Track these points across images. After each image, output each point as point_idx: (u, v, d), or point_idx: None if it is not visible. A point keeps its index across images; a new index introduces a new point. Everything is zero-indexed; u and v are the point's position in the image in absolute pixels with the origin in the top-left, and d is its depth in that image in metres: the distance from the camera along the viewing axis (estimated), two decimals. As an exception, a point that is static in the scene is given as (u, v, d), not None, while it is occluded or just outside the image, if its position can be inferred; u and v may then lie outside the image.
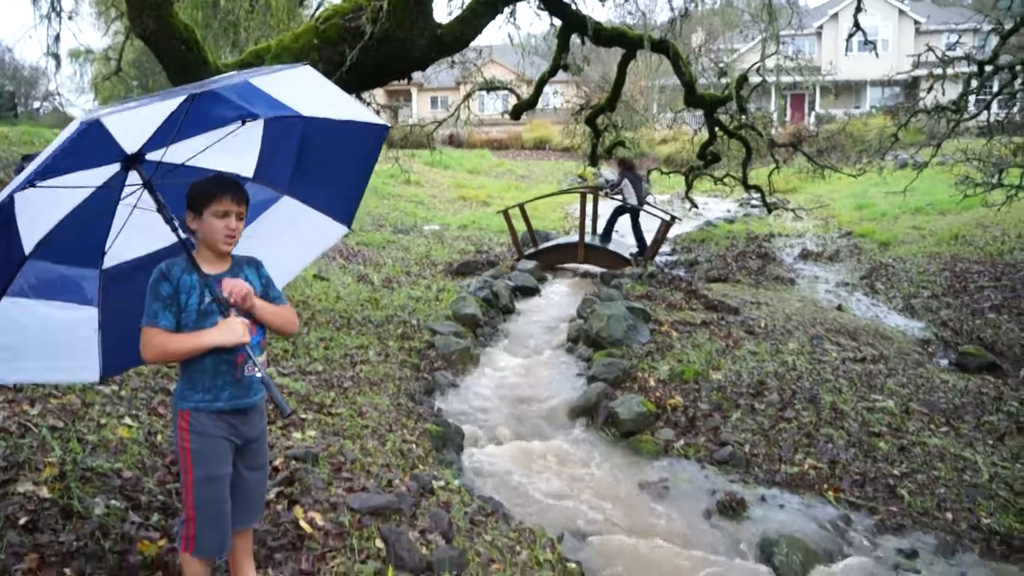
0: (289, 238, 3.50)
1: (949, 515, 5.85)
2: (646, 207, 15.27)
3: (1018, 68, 12.00)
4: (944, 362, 9.73)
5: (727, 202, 26.17)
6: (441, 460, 6.02)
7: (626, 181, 15.13)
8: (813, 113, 42.38)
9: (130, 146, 2.86)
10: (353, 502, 4.25)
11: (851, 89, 45.14)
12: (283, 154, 3.32)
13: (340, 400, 6.60)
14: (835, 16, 44.16)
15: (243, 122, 3.08)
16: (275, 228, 3.44)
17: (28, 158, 2.63)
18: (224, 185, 2.99)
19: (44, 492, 3.60)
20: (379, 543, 3.90)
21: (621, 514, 5.71)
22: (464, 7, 10.07)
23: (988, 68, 11.99)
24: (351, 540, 3.87)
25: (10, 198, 2.55)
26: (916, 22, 44.52)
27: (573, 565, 4.65)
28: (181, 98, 2.72)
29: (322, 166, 3.42)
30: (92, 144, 2.56)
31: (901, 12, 45.18)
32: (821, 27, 45.78)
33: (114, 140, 2.73)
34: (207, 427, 3.02)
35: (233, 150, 3.20)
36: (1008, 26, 11.35)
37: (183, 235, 2.98)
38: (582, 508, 5.76)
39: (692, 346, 9.02)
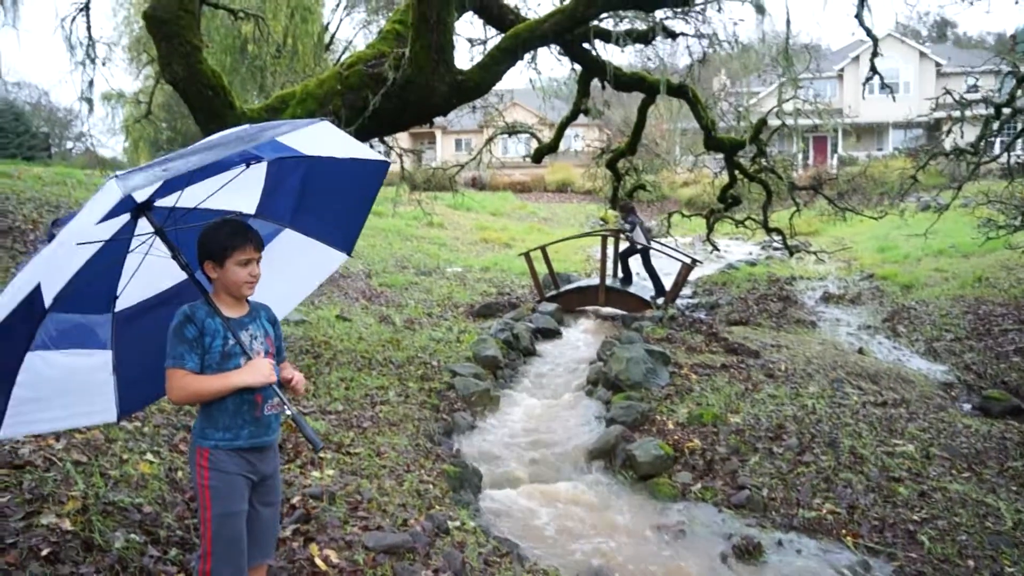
0: (292, 268, 3.63)
1: (971, 563, 5.78)
2: (664, 249, 15.36)
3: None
4: (967, 406, 9.63)
5: (749, 245, 26.19)
6: (458, 501, 6.05)
7: (639, 220, 15.31)
8: (835, 155, 42.40)
9: (140, 195, 2.97)
10: (368, 540, 4.30)
11: (873, 131, 45.22)
12: (284, 190, 3.46)
13: (359, 440, 6.66)
14: (856, 59, 44.34)
15: (247, 164, 3.19)
16: (279, 259, 3.53)
17: (58, 224, 2.75)
18: (245, 235, 3.11)
19: (67, 524, 3.68)
20: (393, 582, 3.94)
21: (636, 556, 5.71)
22: (485, 54, 10.26)
23: (1006, 111, 12.01)
24: (365, 579, 3.92)
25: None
26: (937, 64, 44.65)
27: (587, 607, 4.66)
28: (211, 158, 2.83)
29: (322, 199, 3.54)
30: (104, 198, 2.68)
31: (922, 54, 45.36)
32: (842, 70, 46.02)
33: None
34: (226, 464, 3.10)
35: (237, 189, 3.35)
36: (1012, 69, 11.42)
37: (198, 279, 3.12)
38: (597, 550, 5.76)
39: (711, 389, 9.01)
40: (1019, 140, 13.82)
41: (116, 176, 2.60)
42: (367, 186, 3.70)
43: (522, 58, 10.15)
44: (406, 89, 9.39)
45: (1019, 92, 12.02)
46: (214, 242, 3.08)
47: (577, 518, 6.34)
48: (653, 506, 6.68)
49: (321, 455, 5.91)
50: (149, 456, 4.82)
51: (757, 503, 6.60)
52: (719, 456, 7.38)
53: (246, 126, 3.12)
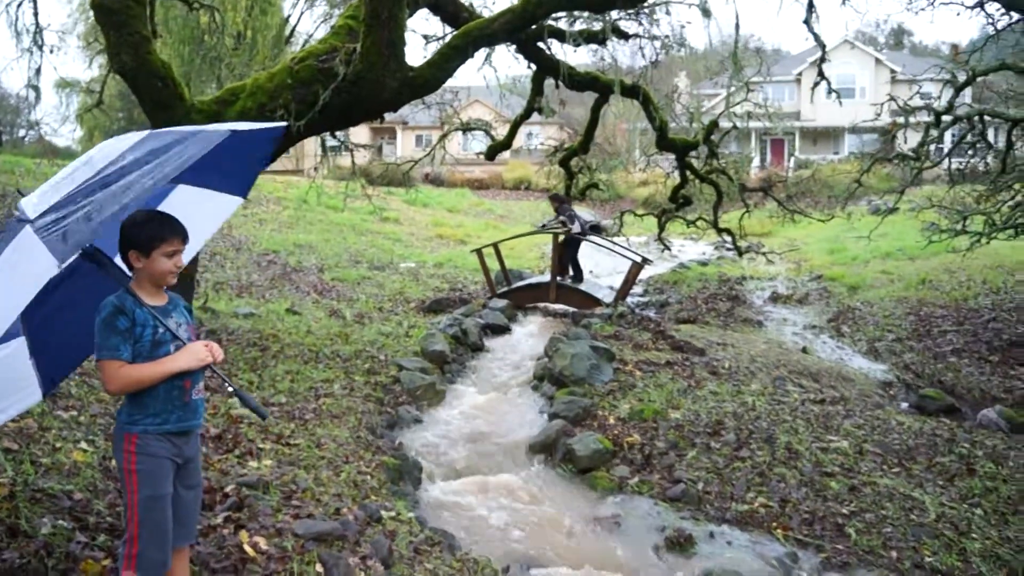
0: (189, 221, 3.52)
1: (894, 553, 5.96)
2: (614, 248, 15.54)
3: (975, 119, 12.36)
4: (904, 404, 9.88)
5: (702, 245, 26.50)
6: (396, 492, 6.11)
7: (572, 212, 15.59)
8: (791, 158, 42.99)
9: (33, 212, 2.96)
10: (298, 528, 4.36)
11: (830, 135, 45.91)
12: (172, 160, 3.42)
13: (300, 431, 6.70)
14: (813, 63, 44.96)
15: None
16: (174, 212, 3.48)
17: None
18: (172, 227, 3.19)
19: (-8, 511, 3.70)
20: (319, 567, 4.00)
21: (571, 547, 5.82)
22: (436, 52, 10.31)
23: (947, 118, 12.33)
24: (292, 564, 3.98)
25: None
26: (892, 71, 45.46)
27: (516, 595, 4.75)
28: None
29: (214, 159, 3.51)
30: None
31: (878, 61, 46.17)
32: (800, 74, 46.66)
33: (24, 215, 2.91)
34: (155, 448, 3.15)
35: None
36: (962, 78, 11.73)
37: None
38: (533, 541, 5.86)
39: (654, 386, 9.16)
40: (963, 147, 14.21)
41: (31, 223, 2.80)
42: (259, 147, 3.80)
43: (472, 56, 10.20)
44: (356, 84, 9.40)
45: (957, 100, 12.35)
46: (141, 233, 3.13)
47: (515, 510, 6.43)
48: (590, 499, 6.79)
49: (260, 445, 5.94)
50: (83, 444, 4.83)
51: (692, 496, 6.74)
52: (657, 451, 7.51)
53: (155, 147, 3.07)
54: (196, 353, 3.16)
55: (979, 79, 12.88)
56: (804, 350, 11.95)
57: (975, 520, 6.45)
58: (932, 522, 6.36)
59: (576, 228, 15.19)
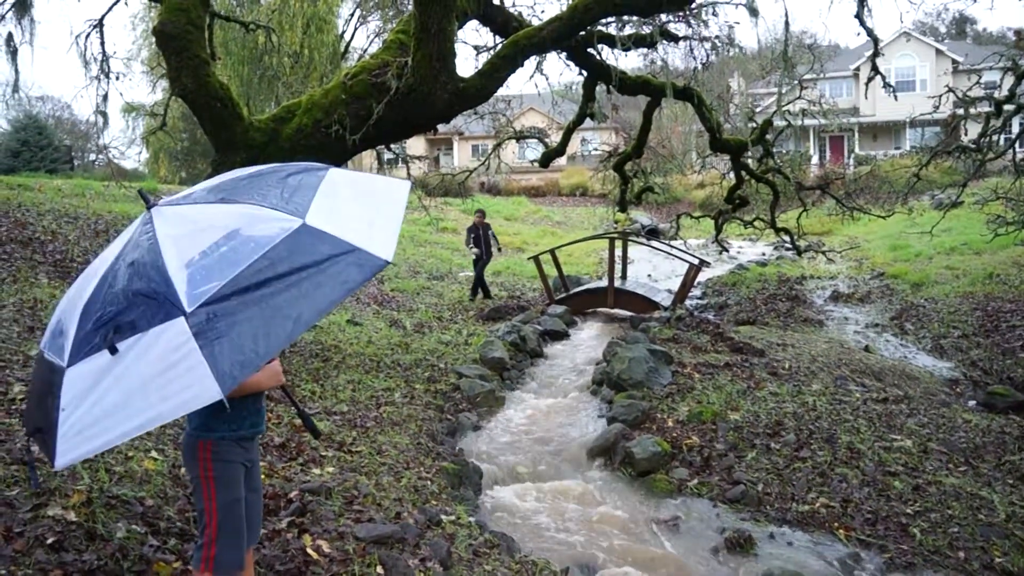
0: (365, 200, 3.26)
1: (961, 554, 5.88)
2: (678, 252, 15.50)
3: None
4: (972, 402, 9.69)
5: (761, 246, 26.22)
6: (456, 497, 6.21)
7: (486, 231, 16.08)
8: (851, 155, 42.28)
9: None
10: (359, 532, 4.48)
11: (890, 130, 45.02)
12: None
13: (361, 439, 6.84)
14: (870, 58, 44.15)
15: None
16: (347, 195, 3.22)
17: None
18: None
19: (71, 516, 3.89)
20: (379, 569, 4.12)
21: (630, 549, 5.85)
22: (487, 62, 10.44)
23: (1008, 107, 12.05)
24: (353, 566, 4.11)
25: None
26: (954, 62, 44.40)
27: (575, 596, 4.81)
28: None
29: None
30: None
31: (938, 52, 45.13)
32: (858, 69, 45.85)
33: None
34: (229, 454, 3.33)
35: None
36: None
37: None
38: (592, 543, 5.91)
39: (713, 388, 9.13)
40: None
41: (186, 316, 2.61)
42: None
43: (522, 64, 10.33)
44: (408, 97, 9.58)
45: (1020, 88, 12.05)
46: None
47: (574, 513, 6.48)
48: (649, 501, 6.81)
49: (322, 453, 6.09)
50: (153, 453, 5.02)
51: (752, 497, 6.72)
52: (716, 452, 7.50)
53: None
54: (275, 372, 3.42)
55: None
56: (866, 349, 11.78)
57: (1047, 519, 6.32)
58: (1002, 522, 6.24)
59: (474, 251, 15.64)
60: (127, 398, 2.53)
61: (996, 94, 12.82)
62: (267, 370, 3.36)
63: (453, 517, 5.43)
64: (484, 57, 14.11)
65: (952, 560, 5.80)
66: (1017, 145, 13.86)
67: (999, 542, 5.96)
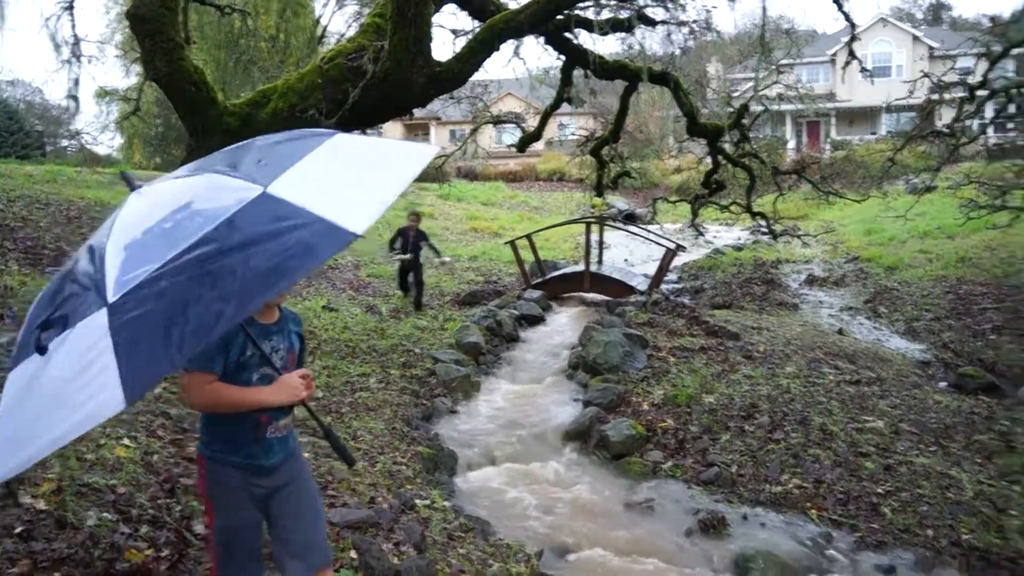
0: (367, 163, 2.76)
1: (930, 532, 5.98)
2: (654, 237, 15.53)
3: (1013, 92, 12.16)
4: (943, 384, 9.79)
5: (737, 230, 26.34)
6: (431, 481, 6.23)
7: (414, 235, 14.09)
8: (828, 140, 42.48)
9: None
10: (333, 517, 4.48)
11: (867, 115, 45.25)
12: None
13: (336, 425, 6.83)
14: (848, 43, 44.31)
15: None
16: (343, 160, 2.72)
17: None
18: None
19: (41, 504, 3.84)
20: (353, 553, 4.12)
21: (604, 532, 5.89)
22: (463, 46, 10.39)
23: (981, 92, 12.15)
24: (327, 551, 4.11)
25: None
26: (930, 48, 44.63)
27: (547, 578, 4.84)
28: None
29: None
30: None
31: (915, 38, 45.34)
32: (835, 54, 46.00)
33: None
34: (222, 477, 2.91)
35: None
36: (997, 51, 11.55)
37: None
38: (567, 526, 5.95)
39: (688, 371, 9.18)
40: (1003, 121, 13.98)
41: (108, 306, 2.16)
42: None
43: (498, 48, 10.27)
44: (385, 81, 9.51)
45: (994, 74, 12.16)
46: None
47: (549, 496, 6.52)
48: (624, 484, 6.87)
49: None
50: (126, 441, 4.98)
51: (726, 479, 6.79)
52: (691, 435, 7.57)
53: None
54: (290, 387, 2.83)
55: (1016, 51, 12.66)
56: (840, 332, 11.88)
57: (1014, 497, 6.43)
58: (970, 500, 6.36)
59: (399, 257, 13.96)
60: (44, 407, 2.16)
61: (970, 79, 12.89)
62: (280, 384, 2.82)
63: (428, 501, 5.45)
64: (462, 41, 14.05)
65: (921, 538, 5.90)
66: (991, 130, 13.98)
67: (967, 520, 6.07)
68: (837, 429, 7.56)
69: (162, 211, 2.35)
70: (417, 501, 5.34)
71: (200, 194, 2.39)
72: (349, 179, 2.56)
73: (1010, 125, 14.61)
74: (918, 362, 10.61)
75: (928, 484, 6.60)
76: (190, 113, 9.58)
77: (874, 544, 5.86)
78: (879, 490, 6.54)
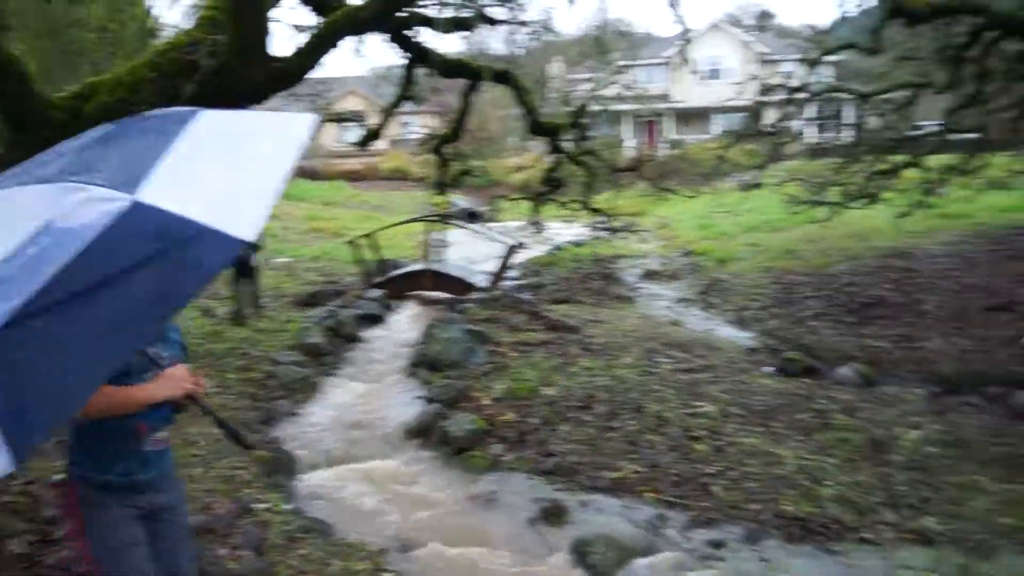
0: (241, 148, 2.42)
1: (757, 506, 6.32)
2: (495, 234, 15.68)
3: (829, 95, 12.98)
4: (769, 368, 10.28)
5: (577, 227, 26.87)
6: (270, 485, 6.08)
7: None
8: (664, 139, 44.01)
9: None
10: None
11: (701, 116, 47.16)
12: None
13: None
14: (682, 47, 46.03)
15: None
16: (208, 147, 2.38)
17: None
18: None
19: None
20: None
21: (447, 526, 5.91)
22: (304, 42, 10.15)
23: (801, 95, 12.89)
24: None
25: None
26: (760, 52, 46.96)
27: (391, 575, 4.81)
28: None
29: None
30: None
31: (745, 43, 47.59)
32: (671, 56, 47.74)
33: None
34: (97, 499, 2.75)
35: None
36: (814, 56, 12.31)
37: None
38: (410, 522, 5.94)
39: (528, 365, 9.32)
40: (821, 122, 14.88)
41: None
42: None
43: (336, 45, 10.09)
44: (220, 76, 9.18)
45: (811, 78, 12.91)
46: None
47: (391, 494, 6.49)
48: (466, 478, 6.90)
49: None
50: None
51: (565, 468, 6.93)
52: (531, 427, 7.69)
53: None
54: (175, 379, 2.72)
55: (831, 57, 13.49)
56: (675, 323, 12.34)
57: (829, 469, 6.89)
58: (791, 474, 6.76)
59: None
60: None
61: (793, 83, 13.61)
62: (164, 377, 2.69)
63: (267, 505, 5.33)
64: (303, 37, 13.72)
65: (748, 512, 6.22)
66: (820, 131, 14.86)
67: (788, 492, 6.45)
68: (671, 415, 7.86)
69: (23, 232, 1.99)
70: (255, 505, 5.20)
71: (61, 210, 2.03)
72: (226, 172, 2.25)
73: (829, 126, 15.57)
74: (747, 349, 11.11)
75: (754, 462, 6.96)
76: (8, 105, 8.95)
77: (705, 521, 6.13)
78: (710, 470, 6.84)
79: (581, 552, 5.53)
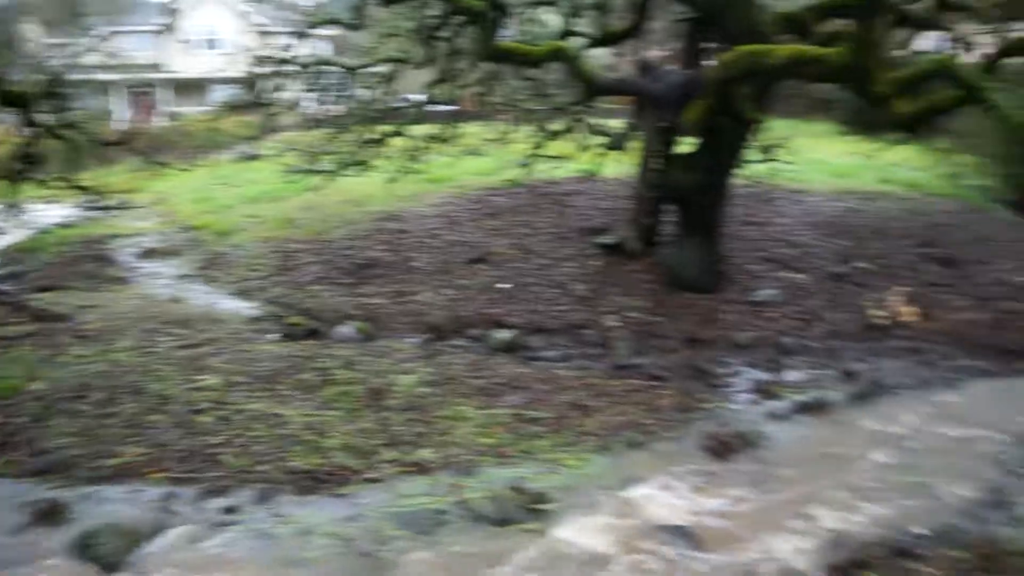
0: None
1: (266, 467, 6.61)
2: None
3: (317, 68, 13.46)
4: (274, 335, 10.47)
5: (65, 207, 24.69)
6: None
7: None
8: (161, 110, 41.87)
9: None
10: None
11: (199, 86, 45.47)
12: None
13: None
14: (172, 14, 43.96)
15: None
16: None
17: None
18: None
19: None
20: None
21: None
22: None
23: (291, 67, 13.20)
24: None
25: None
26: (258, 24, 46.18)
27: None
28: None
29: None
30: None
31: (242, 12, 46.50)
32: (163, 25, 45.25)
33: None
34: None
35: None
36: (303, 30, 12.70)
37: None
38: None
39: (9, 361, 8.54)
40: (318, 93, 15.31)
41: None
42: None
43: None
44: None
45: (305, 51, 13.29)
46: None
47: None
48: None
49: None
50: None
51: (60, 464, 6.56)
52: (18, 427, 7.12)
53: None
54: None
55: (327, 31, 13.92)
56: (175, 300, 12.04)
57: (333, 421, 7.43)
58: (297, 432, 7.18)
59: None
60: None
61: (288, 55, 13.80)
62: None
63: None
64: None
65: (258, 474, 6.48)
66: (319, 104, 15.22)
67: (296, 449, 6.84)
68: (174, 392, 7.82)
69: None
70: None
71: None
72: None
73: (321, 97, 16.12)
74: (250, 318, 11.19)
75: (260, 426, 7.23)
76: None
77: (217, 490, 6.25)
78: (217, 440, 6.97)
79: (84, 547, 5.35)
